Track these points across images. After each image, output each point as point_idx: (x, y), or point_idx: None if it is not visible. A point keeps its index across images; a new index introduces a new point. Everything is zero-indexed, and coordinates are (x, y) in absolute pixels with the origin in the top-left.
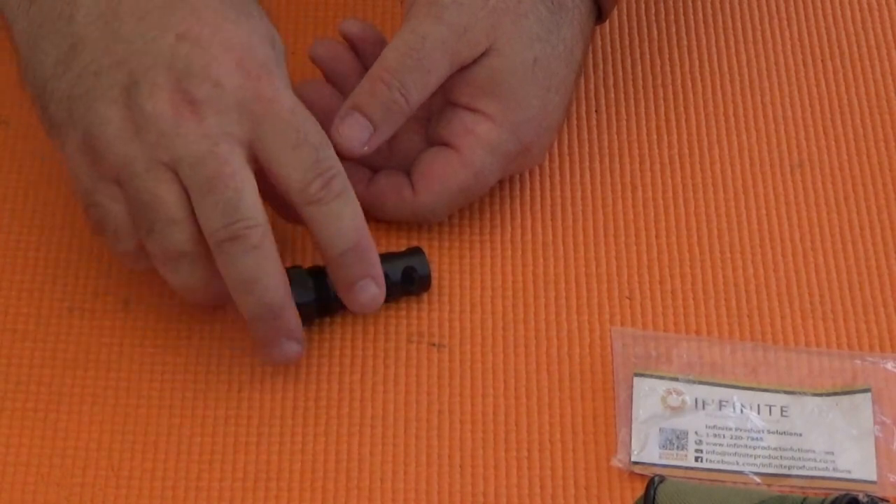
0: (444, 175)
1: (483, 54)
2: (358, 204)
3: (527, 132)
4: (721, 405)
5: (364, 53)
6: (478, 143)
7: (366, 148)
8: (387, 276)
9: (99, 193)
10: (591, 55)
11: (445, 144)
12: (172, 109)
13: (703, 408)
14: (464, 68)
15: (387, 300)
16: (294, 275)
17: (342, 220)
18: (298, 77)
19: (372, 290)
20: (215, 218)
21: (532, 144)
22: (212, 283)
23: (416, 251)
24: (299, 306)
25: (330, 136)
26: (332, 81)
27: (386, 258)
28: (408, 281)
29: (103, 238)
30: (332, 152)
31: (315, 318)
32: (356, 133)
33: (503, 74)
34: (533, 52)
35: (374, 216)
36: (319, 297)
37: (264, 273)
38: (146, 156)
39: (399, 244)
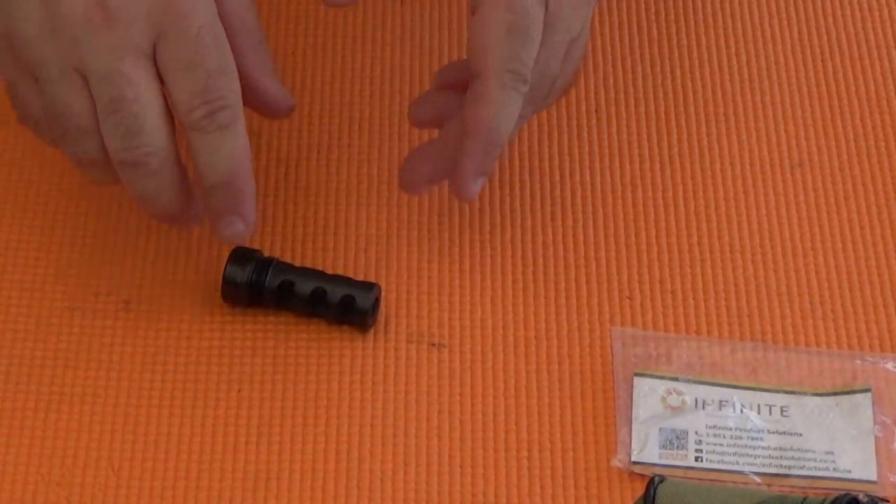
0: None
1: None
2: (245, 140)
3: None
4: (721, 405)
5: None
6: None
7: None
8: (326, 296)
9: (21, 87)
10: (590, 55)
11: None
12: (84, 14)
13: (703, 408)
14: None
15: (322, 317)
16: (242, 253)
17: (219, 153)
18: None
19: (237, 226)
20: (116, 140)
21: (564, 15)
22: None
23: (370, 286)
24: (229, 283)
25: (453, 188)
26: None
27: (338, 280)
28: (346, 309)
29: (27, 127)
30: (228, 81)
31: (245, 303)
32: (478, 188)
33: None
34: None
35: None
36: (251, 282)
37: (163, 194)
38: (60, 60)
39: (398, 244)
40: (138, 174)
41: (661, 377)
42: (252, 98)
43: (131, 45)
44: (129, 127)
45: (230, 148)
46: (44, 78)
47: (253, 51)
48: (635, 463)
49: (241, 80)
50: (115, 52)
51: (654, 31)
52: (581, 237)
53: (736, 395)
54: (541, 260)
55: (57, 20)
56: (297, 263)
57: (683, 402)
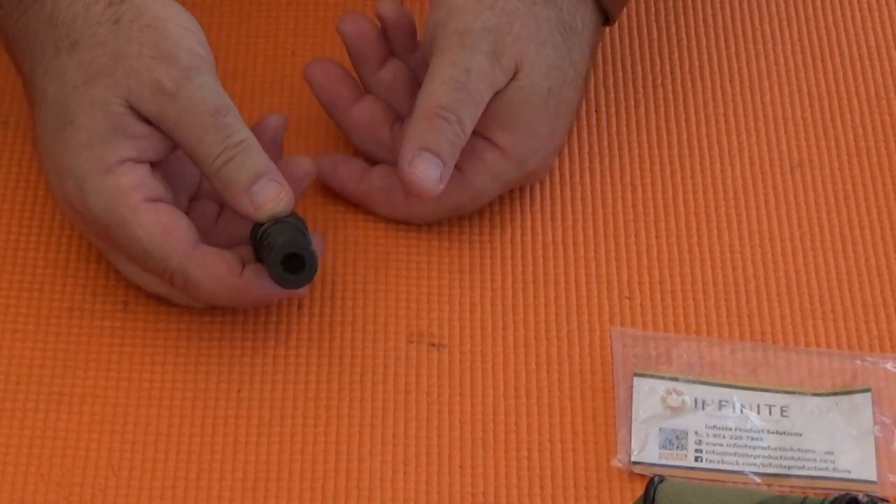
0: (442, 192)
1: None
2: (208, 281)
3: (532, 162)
4: (721, 405)
5: (394, 39)
6: (483, 169)
7: (441, 186)
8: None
9: None
10: None
11: None
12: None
13: (703, 408)
14: None
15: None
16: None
17: (205, 299)
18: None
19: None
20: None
21: (536, 170)
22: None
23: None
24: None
25: (401, 178)
26: (353, 59)
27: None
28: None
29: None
30: (157, 257)
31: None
32: (432, 172)
33: (519, 106)
34: (549, 81)
35: (366, 209)
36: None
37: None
38: None
39: (398, 244)
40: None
41: (661, 377)
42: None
43: (98, 245)
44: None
45: (207, 290)
46: None
47: (214, 179)
48: (635, 463)
49: None
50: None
51: (654, 31)
52: (581, 237)
53: (736, 396)
54: (541, 260)
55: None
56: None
57: (683, 402)
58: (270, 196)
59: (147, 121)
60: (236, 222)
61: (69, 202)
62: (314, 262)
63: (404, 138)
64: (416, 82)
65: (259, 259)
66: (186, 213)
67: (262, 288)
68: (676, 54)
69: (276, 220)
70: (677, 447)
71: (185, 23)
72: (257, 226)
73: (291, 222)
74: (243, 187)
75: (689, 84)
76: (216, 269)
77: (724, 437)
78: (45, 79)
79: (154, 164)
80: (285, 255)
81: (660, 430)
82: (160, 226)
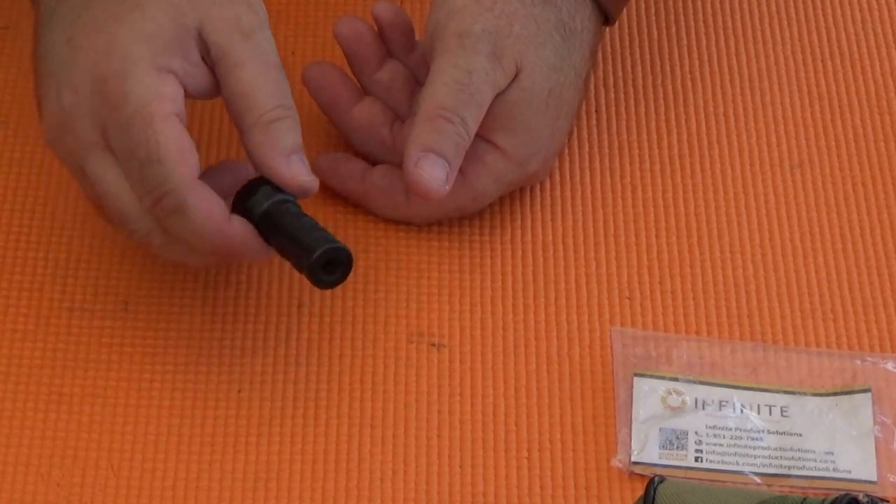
0: None
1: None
2: (200, 215)
3: (533, 164)
4: (721, 405)
5: (390, 40)
6: (485, 171)
7: (447, 187)
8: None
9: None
10: None
11: None
12: (54, 116)
13: (703, 408)
14: None
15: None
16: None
17: (187, 232)
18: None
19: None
20: (115, 225)
21: (537, 172)
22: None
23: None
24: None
25: (407, 179)
26: (350, 62)
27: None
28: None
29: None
30: (159, 169)
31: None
32: (437, 173)
33: (520, 108)
34: (549, 83)
35: (366, 209)
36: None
37: (188, 253)
38: (68, 157)
39: (398, 244)
40: (147, 247)
41: (661, 377)
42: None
43: (89, 144)
44: (113, 217)
45: (193, 226)
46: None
47: (259, 129)
48: (635, 463)
49: (251, 160)
50: (75, 156)
51: (654, 31)
52: (581, 237)
53: (736, 396)
54: (541, 260)
55: (47, 121)
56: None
57: (683, 402)
58: (307, 171)
59: (205, 55)
60: (216, 182)
61: (97, 80)
62: (351, 262)
63: (408, 140)
64: (414, 82)
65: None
66: None
67: (245, 242)
68: (676, 54)
69: (283, 202)
70: (677, 447)
71: None
72: (253, 197)
73: (301, 212)
74: (288, 151)
75: (689, 84)
76: (211, 206)
77: (724, 437)
78: None
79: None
80: (326, 258)
81: (660, 430)
82: (180, 144)
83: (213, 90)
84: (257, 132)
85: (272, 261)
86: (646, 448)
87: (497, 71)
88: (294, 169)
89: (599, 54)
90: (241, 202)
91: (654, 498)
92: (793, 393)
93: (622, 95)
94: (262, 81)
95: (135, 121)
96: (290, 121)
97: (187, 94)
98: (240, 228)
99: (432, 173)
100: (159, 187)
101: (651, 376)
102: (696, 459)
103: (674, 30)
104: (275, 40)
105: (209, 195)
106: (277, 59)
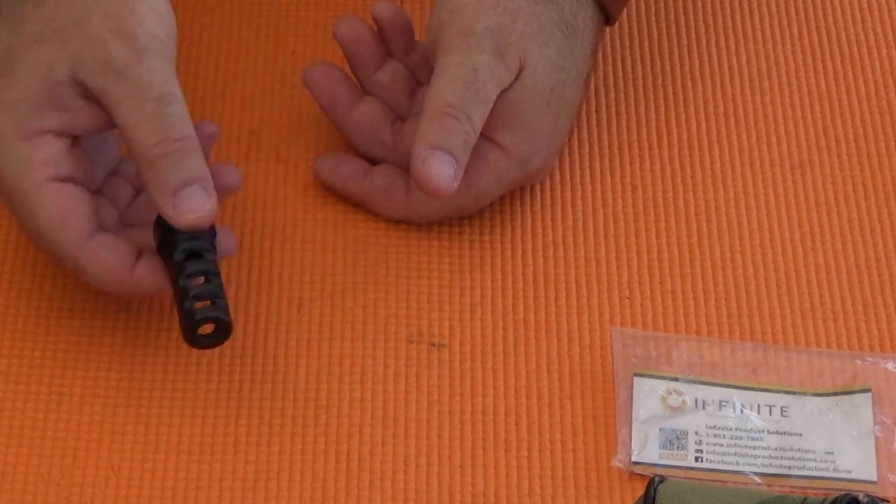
0: None
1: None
2: (98, 271)
3: (535, 162)
4: (721, 405)
5: (390, 40)
6: (487, 169)
7: (455, 184)
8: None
9: None
10: None
11: None
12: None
13: (703, 408)
14: None
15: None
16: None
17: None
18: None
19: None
20: None
21: (538, 170)
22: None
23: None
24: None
25: (415, 177)
26: (350, 62)
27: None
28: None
29: None
30: (50, 237)
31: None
32: (445, 170)
33: (522, 106)
34: (551, 81)
35: (366, 209)
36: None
37: None
38: None
39: (398, 244)
40: None
41: (661, 377)
42: None
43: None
44: None
45: (96, 280)
46: None
47: (145, 167)
48: (635, 463)
49: None
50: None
51: (654, 31)
52: (581, 237)
53: (736, 396)
54: (541, 260)
55: None
56: (297, 263)
57: (683, 402)
58: (196, 206)
59: (86, 95)
60: (149, 209)
61: None
62: (229, 330)
63: (415, 138)
64: (414, 82)
65: (160, 250)
66: (101, 189)
67: (153, 284)
68: (676, 54)
69: (191, 253)
70: (677, 447)
71: (158, 6)
72: (166, 224)
73: (204, 246)
74: (172, 188)
75: (689, 84)
76: (107, 263)
77: (724, 437)
78: (1, 19)
79: (77, 136)
80: (198, 320)
81: (660, 430)
82: (59, 210)
83: (110, 122)
84: (144, 170)
85: (272, 261)
86: (646, 448)
87: (501, 68)
88: (181, 206)
89: (600, 54)
90: (157, 226)
91: (654, 498)
92: (793, 393)
93: (622, 95)
94: (140, 118)
95: (13, 198)
96: (175, 154)
97: (83, 134)
98: (146, 274)
99: (440, 170)
100: (55, 252)
101: (651, 376)
102: (697, 459)
103: (674, 30)
104: (275, 40)
105: (106, 249)
106: (161, 90)
